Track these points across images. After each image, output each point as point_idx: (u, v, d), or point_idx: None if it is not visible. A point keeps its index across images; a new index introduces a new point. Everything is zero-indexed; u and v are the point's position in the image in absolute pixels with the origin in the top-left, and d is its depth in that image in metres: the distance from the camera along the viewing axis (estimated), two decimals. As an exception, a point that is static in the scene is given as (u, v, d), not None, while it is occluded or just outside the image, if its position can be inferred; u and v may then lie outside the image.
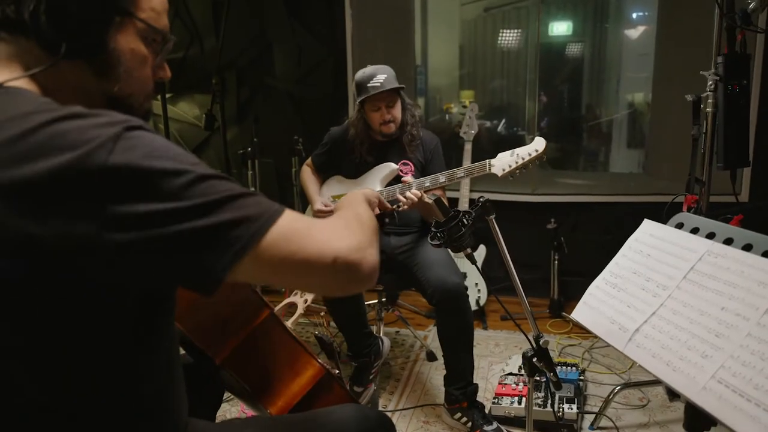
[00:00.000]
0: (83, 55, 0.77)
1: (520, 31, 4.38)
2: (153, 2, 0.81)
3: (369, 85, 2.27)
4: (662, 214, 1.54)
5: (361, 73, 2.32)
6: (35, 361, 0.72)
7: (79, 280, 0.68)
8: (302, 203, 2.88)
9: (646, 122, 4.14)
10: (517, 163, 1.97)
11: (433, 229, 1.36)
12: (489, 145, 4.27)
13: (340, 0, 3.49)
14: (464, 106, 3.33)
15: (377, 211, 1.18)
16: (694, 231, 1.31)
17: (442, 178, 2.10)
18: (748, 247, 1.17)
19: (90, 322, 0.72)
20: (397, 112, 2.33)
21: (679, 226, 1.36)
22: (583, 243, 3.29)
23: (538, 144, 1.96)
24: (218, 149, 3.79)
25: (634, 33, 4.35)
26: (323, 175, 2.58)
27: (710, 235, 1.27)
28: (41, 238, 0.63)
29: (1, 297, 0.68)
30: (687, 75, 3.08)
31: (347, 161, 2.45)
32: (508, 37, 4.48)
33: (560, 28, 4.40)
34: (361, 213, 0.88)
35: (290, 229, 0.70)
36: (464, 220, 1.30)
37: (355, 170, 2.43)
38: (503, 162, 2.00)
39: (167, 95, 3.64)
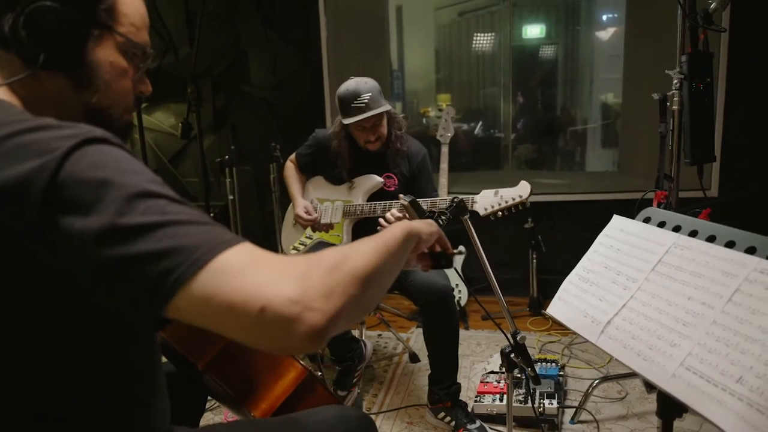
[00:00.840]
0: (61, 66, 0.78)
1: (493, 34, 4.45)
2: (132, 17, 0.83)
3: (353, 105, 2.18)
4: (634, 210, 1.58)
5: (343, 90, 2.22)
6: (8, 366, 0.72)
7: (46, 286, 0.68)
8: (282, 210, 2.89)
9: (619, 122, 4.22)
10: (500, 204, 1.96)
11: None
12: (466, 148, 4.33)
13: (315, 7, 3.51)
14: (440, 110, 3.37)
15: (436, 248, 1.02)
16: (661, 225, 1.36)
17: (424, 205, 2.10)
18: (711, 239, 1.22)
19: (62, 326, 0.72)
20: (384, 129, 2.28)
21: (647, 220, 1.40)
22: (561, 241, 3.35)
23: (523, 190, 1.96)
24: (195, 158, 3.78)
25: (604, 35, 4.44)
26: (306, 174, 2.56)
27: (676, 228, 1.31)
28: None
29: None
30: (655, 74, 3.17)
31: (331, 168, 2.43)
32: (483, 41, 4.54)
33: (533, 31, 4.47)
34: (357, 252, 0.69)
35: (227, 263, 0.60)
36: (439, 221, 1.32)
37: (339, 178, 2.42)
38: (486, 201, 1.99)
39: (142, 105, 3.63)
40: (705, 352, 1.07)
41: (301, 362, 1.16)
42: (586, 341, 1.29)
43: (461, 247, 1.06)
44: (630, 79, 3.68)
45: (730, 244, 1.17)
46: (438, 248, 1.02)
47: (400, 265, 0.82)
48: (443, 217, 1.36)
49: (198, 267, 0.59)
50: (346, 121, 2.22)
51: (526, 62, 4.33)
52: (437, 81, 4.71)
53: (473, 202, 2.00)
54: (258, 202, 3.86)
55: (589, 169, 4.54)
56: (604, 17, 4.49)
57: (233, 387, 1.07)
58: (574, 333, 2.39)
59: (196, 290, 0.59)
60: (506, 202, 1.94)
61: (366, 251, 0.70)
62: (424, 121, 4.42)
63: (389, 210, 2.23)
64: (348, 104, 2.19)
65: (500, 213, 1.97)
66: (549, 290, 3.27)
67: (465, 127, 4.41)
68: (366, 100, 2.18)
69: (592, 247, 1.47)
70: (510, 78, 3.91)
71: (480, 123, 4.46)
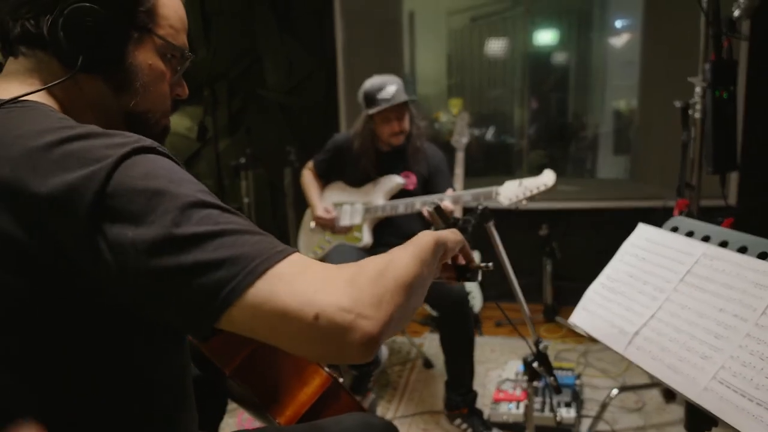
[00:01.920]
0: (100, 69, 0.77)
1: (506, 40, 4.44)
2: (172, 19, 0.82)
3: (379, 96, 2.24)
4: (650, 218, 1.56)
5: (369, 84, 2.30)
6: (39, 371, 0.71)
7: (81, 295, 0.67)
8: (296, 214, 2.88)
9: (631, 129, 4.20)
10: (524, 194, 1.93)
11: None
12: (478, 153, 4.31)
13: (330, 12, 3.52)
14: (455, 115, 3.37)
15: (460, 260, 1.00)
16: (689, 234, 1.34)
17: (447, 200, 2.10)
18: (743, 250, 1.20)
19: (94, 338, 0.71)
20: (407, 123, 2.32)
21: (674, 229, 1.39)
22: (574, 248, 3.32)
23: (548, 178, 1.92)
24: (210, 160, 3.79)
25: (619, 41, 4.42)
26: (324, 180, 2.57)
27: (705, 239, 1.29)
28: (35, 253, 0.64)
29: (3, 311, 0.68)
30: (671, 81, 3.15)
31: (350, 171, 2.45)
32: (495, 47, 4.53)
33: (546, 37, 4.46)
34: (399, 261, 0.69)
35: (282, 273, 0.60)
36: (467, 228, 1.31)
37: (358, 180, 2.44)
38: (510, 192, 1.96)
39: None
40: (738, 365, 1.05)
41: (326, 368, 1.15)
42: (602, 349, 1.28)
43: (490, 263, 1.02)
44: (646, 85, 3.66)
45: (762, 256, 1.16)
46: (462, 260, 1.00)
47: (433, 273, 0.81)
48: (468, 224, 1.35)
49: (255, 276, 0.59)
50: (375, 110, 2.25)
51: (538, 68, 4.32)
52: (449, 86, 4.70)
53: (496, 193, 1.98)
54: (271, 206, 3.86)
55: (601, 176, 4.52)
56: (618, 24, 4.47)
57: (259, 393, 1.07)
58: (590, 340, 2.33)
59: (252, 300, 0.59)
60: (531, 191, 1.90)
61: (406, 259, 0.70)
62: (436, 126, 4.41)
63: (411, 207, 2.24)
64: (374, 95, 2.25)
65: (524, 202, 1.93)
66: (563, 297, 3.24)
67: (476, 132, 4.40)
68: (393, 92, 2.24)
69: (616, 255, 1.45)
70: (522, 84, 3.91)
71: (492, 128, 4.45)
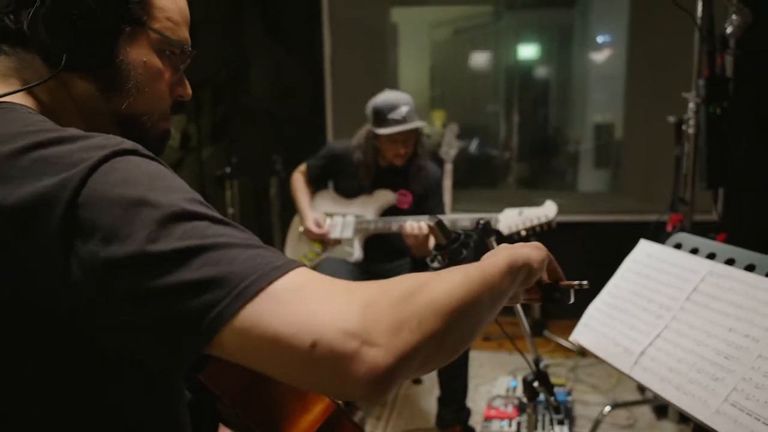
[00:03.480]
0: (87, 68, 0.69)
1: (488, 53, 4.48)
2: (169, 11, 0.74)
3: (390, 116, 2.17)
4: (636, 232, 1.53)
5: (381, 101, 2.22)
6: (16, 400, 0.62)
7: (43, 319, 0.58)
8: (281, 223, 2.82)
9: (613, 143, 4.25)
10: (524, 224, 1.92)
11: (434, 252, 1.34)
12: (460, 165, 4.31)
13: (318, 20, 3.48)
14: (438, 127, 3.35)
15: (544, 278, 0.84)
16: (694, 251, 1.32)
17: (444, 221, 2.07)
18: (750, 268, 1.18)
19: (70, 378, 0.62)
20: (412, 147, 2.28)
21: (678, 246, 1.37)
22: (560, 262, 3.31)
23: (549, 210, 1.90)
24: (192, 169, 3.70)
25: (600, 56, 4.48)
26: (314, 186, 2.52)
27: (710, 256, 1.27)
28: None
29: None
30: (658, 96, 3.19)
31: (345, 181, 2.40)
32: (478, 59, 4.57)
33: (528, 50, 4.50)
34: (441, 280, 0.57)
35: (277, 292, 0.51)
36: (469, 243, 1.27)
37: (352, 192, 2.39)
38: (510, 220, 1.95)
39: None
40: (752, 387, 1.02)
41: (326, 392, 1.10)
42: (591, 365, 1.24)
43: (585, 281, 0.85)
44: (631, 99, 3.70)
45: (771, 274, 1.14)
46: (547, 278, 0.85)
47: (502, 301, 0.68)
48: (470, 239, 1.31)
49: (244, 300, 0.50)
50: (383, 131, 2.19)
51: (520, 81, 4.35)
52: (432, 98, 4.71)
53: (496, 221, 1.97)
54: (256, 216, 3.79)
55: (582, 190, 4.55)
56: (601, 38, 4.53)
57: (259, 422, 1.00)
58: (579, 356, 2.30)
59: (240, 326, 0.50)
60: (531, 222, 1.89)
61: (454, 280, 0.58)
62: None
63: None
64: (384, 115, 2.18)
65: (524, 233, 1.91)
66: (551, 312, 3.23)
67: (459, 144, 4.41)
68: (404, 113, 2.18)
69: (618, 272, 1.43)
70: (504, 97, 3.94)
71: (474, 141, 4.46)
